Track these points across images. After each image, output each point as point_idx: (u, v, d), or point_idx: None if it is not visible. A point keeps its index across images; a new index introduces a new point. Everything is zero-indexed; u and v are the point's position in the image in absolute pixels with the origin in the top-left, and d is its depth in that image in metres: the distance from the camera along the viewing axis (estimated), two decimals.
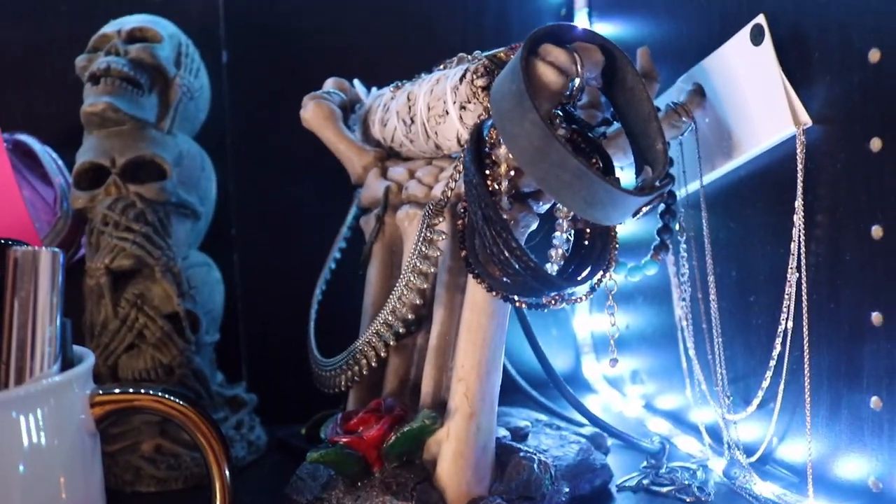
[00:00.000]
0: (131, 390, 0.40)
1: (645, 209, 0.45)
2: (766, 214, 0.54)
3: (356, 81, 0.60)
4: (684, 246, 0.57)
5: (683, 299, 0.58)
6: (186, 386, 0.59)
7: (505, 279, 0.45)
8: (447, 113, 0.50)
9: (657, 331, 0.69)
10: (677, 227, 0.57)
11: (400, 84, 0.55)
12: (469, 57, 0.52)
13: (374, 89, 0.59)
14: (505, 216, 0.44)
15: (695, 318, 0.59)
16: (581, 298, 0.47)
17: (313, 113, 0.56)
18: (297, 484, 0.49)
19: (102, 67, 0.57)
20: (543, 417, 0.61)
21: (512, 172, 0.45)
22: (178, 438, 0.59)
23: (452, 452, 0.44)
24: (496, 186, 0.45)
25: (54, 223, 0.59)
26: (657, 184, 0.44)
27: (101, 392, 0.40)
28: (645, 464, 0.57)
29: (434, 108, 0.50)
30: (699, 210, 0.58)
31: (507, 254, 0.43)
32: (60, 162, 0.62)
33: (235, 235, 0.73)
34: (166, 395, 0.40)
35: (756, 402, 0.54)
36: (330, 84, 0.59)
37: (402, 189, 0.52)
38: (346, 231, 0.62)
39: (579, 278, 0.46)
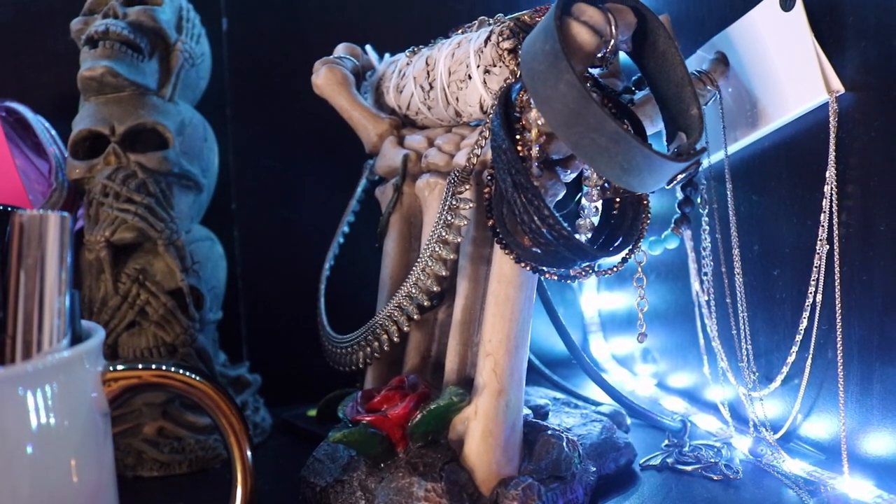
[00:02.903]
0: (142, 366, 0.38)
1: (680, 176, 0.44)
2: (791, 186, 0.53)
3: (368, 47, 0.57)
4: (706, 219, 0.56)
5: (705, 274, 0.56)
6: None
7: (535, 249, 0.43)
8: (469, 77, 0.47)
9: (671, 308, 0.67)
10: (699, 199, 0.56)
11: (416, 49, 0.53)
12: (490, 20, 0.49)
13: (386, 55, 0.57)
14: (535, 183, 0.42)
15: (715, 294, 0.57)
16: (613, 270, 0.46)
17: (326, 78, 0.53)
18: (314, 466, 0.46)
19: (101, 30, 0.54)
20: (560, 396, 0.60)
21: (543, 138, 0.43)
22: (181, 420, 0.57)
23: (481, 431, 0.42)
24: (526, 152, 0.43)
25: (49, 194, 0.56)
26: (694, 150, 0.43)
27: (113, 368, 0.37)
28: (667, 442, 0.55)
29: (456, 72, 0.48)
30: (721, 182, 0.56)
31: (538, 222, 0.41)
32: (54, 132, 0.59)
33: (236, 210, 0.70)
34: (184, 371, 0.38)
35: (780, 378, 0.53)
36: (341, 49, 0.56)
37: (420, 157, 0.50)
38: (356, 204, 0.60)
39: (612, 248, 0.44)
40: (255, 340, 0.72)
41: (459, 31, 0.52)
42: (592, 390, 0.70)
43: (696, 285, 0.60)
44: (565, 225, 0.42)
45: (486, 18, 0.50)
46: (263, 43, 0.70)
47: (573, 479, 0.44)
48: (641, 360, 0.73)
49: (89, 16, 0.57)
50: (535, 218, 0.41)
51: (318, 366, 0.65)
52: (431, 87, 0.50)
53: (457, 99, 0.49)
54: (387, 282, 0.50)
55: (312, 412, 0.66)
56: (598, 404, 0.60)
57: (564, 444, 0.45)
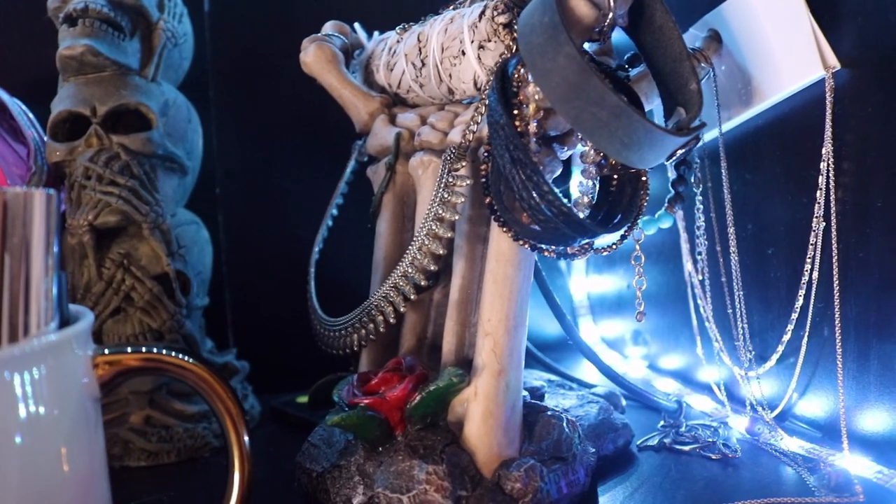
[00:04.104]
0: (132, 349, 0.37)
1: (680, 152, 0.43)
2: (786, 164, 0.53)
3: (357, 25, 0.56)
4: (700, 198, 0.55)
5: (699, 254, 0.56)
6: None
7: (534, 226, 0.42)
8: (463, 53, 0.46)
9: (662, 289, 0.67)
10: (692, 178, 0.55)
11: (407, 26, 0.52)
12: None
13: (375, 33, 0.56)
14: (534, 159, 0.41)
15: (709, 274, 0.57)
16: (612, 247, 0.45)
17: (315, 56, 0.52)
18: (309, 451, 0.45)
19: (80, 7, 0.52)
20: (555, 378, 0.59)
21: (541, 113, 0.42)
22: (168, 409, 0.55)
23: (481, 412, 0.42)
24: (524, 128, 0.42)
25: (28, 178, 0.54)
26: (693, 125, 0.42)
27: (104, 352, 0.36)
28: (662, 423, 0.55)
29: (449, 48, 0.47)
30: (714, 161, 0.56)
31: (537, 198, 0.40)
32: (31, 114, 0.57)
33: (220, 194, 0.68)
34: (176, 354, 0.36)
35: (775, 356, 0.53)
36: (329, 27, 0.55)
37: (413, 136, 0.49)
38: (344, 186, 0.59)
39: (611, 225, 0.44)
40: (241, 327, 0.70)
41: (451, 8, 0.51)
42: (584, 373, 0.69)
43: (688, 266, 0.60)
44: (565, 201, 0.41)
45: None
46: (246, 23, 0.68)
47: (574, 460, 0.44)
48: (632, 342, 0.73)
49: None
50: (535, 194, 0.41)
51: (305, 352, 0.64)
52: (423, 64, 0.49)
53: (450, 76, 0.48)
54: (380, 263, 0.49)
55: (302, 399, 0.65)
56: (591, 386, 0.60)
57: (565, 424, 0.45)
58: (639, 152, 0.41)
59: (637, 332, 0.72)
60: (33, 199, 0.34)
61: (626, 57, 0.51)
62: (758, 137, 0.54)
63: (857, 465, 0.45)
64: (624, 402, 0.57)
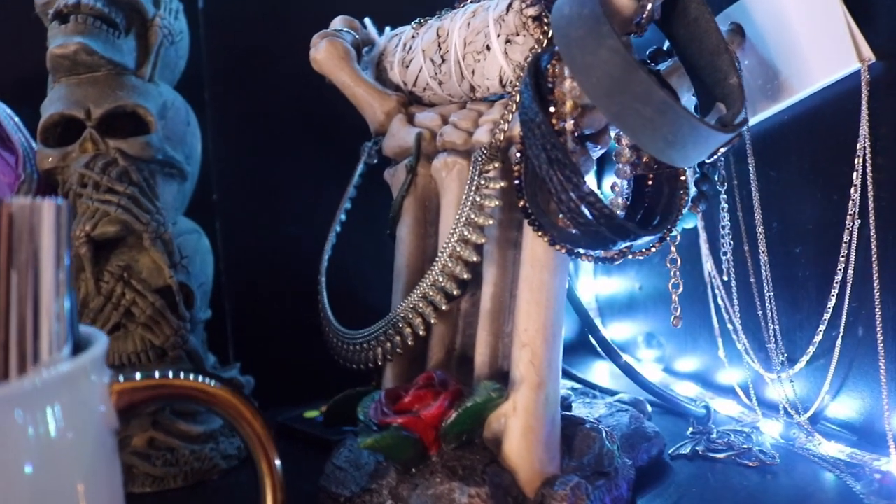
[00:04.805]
0: (154, 375, 0.34)
1: (722, 149, 0.41)
2: (815, 160, 0.51)
3: (367, 21, 0.53)
4: (725, 197, 0.54)
5: (724, 253, 0.54)
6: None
7: (572, 230, 0.40)
8: (488, 48, 0.44)
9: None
10: (716, 177, 0.54)
11: (423, 20, 0.49)
12: None
13: (387, 29, 0.53)
14: (573, 159, 0.39)
15: (733, 273, 0.55)
16: (650, 250, 0.43)
17: (327, 53, 0.49)
18: (335, 474, 0.43)
19: (72, 3, 0.49)
20: (577, 385, 0.57)
21: (578, 110, 0.40)
22: (173, 430, 0.52)
23: (521, 427, 0.39)
24: (560, 126, 0.40)
25: (17, 187, 0.50)
26: (737, 121, 0.40)
27: (121, 379, 0.33)
28: (692, 430, 0.53)
29: (472, 43, 0.45)
30: (739, 159, 0.54)
31: (577, 201, 0.38)
32: (17, 118, 0.54)
33: (217, 201, 0.65)
34: (204, 380, 0.34)
35: (806, 358, 0.52)
36: (339, 22, 0.52)
37: (434, 136, 0.46)
38: (353, 190, 0.56)
39: (651, 227, 0.42)
40: (242, 340, 0.67)
41: (470, 1, 0.48)
42: (595, 377, 0.68)
43: (708, 266, 0.58)
44: (607, 202, 0.39)
45: None
46: (243, 20, 0.65)
47: (617, 475, 0.42)
48: (645, 344, 0.71)
49: None
50: (574, 196, 0.38)
51: (310, 365, 0.61)
52: (444, 60, 0.46)
53: (472, 72, 0.45)
54: (403, 270, 0.46)
55: (310, 414, 0.62)
56: (614, 393, 0.58)
57: (604, 437, 0.42)
58: (682, 150, 0.39)
59: (650, 335, 0.70)
60: (41, 211, 0.30)
61: (647, 52, 0.49)
62: (783, 133, 0.53)
63: None
64: (650, 409, 0.55)
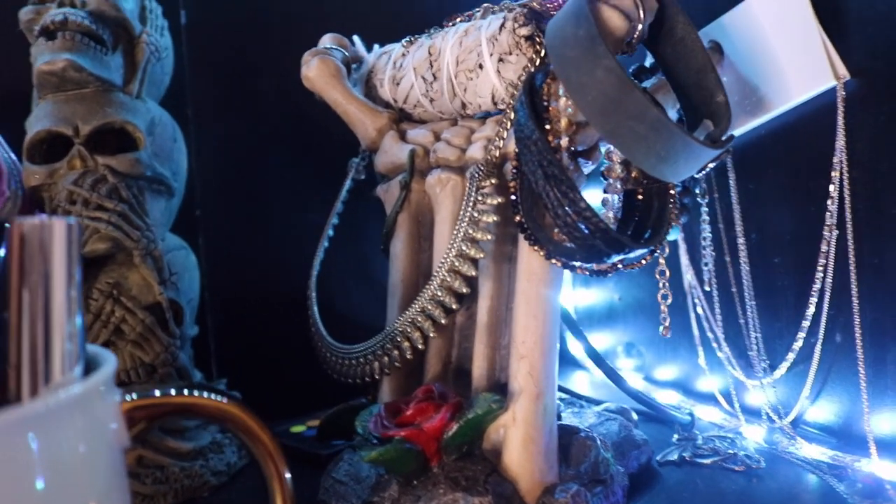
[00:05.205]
0: (165, 392, 0.34)
1: (711, 165, 0.43)
2: (792, 173, 0.53)
3: (356, 38, 0.54)
4: (706, 209, 0.55)
5: (705, 264, 0.56)
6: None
7: (568, 244, 0.41)
8: (481, 67, 0.45)
9: (657, 300, 0.67)
10: (697, 190, 0.56)
11: (413, 39, 0.50)
12: (496, 7, 0.47)
13: (375, 47, 0.54)
14: (569, 175, 0.40)
15: (717, 283, 0.57)
16: (640, 263, 0.44)
17: (318, 70, 0.49)
18: (335, 488, 0.43)
19: (59, 20, 0.48)
20: (563, 395, 0.58)
21: (573, 128, 0.41)
22: (162, 447, 0.52)
23: (521, 438, 0.40)
24: (556, 143, 0.41)
25: (2, 205, 0.50)
26: (724, 137, 0.42)
27: (132, 398, 0.33)
28: (677, 436, 0.55)
29: (464, 61, 0.46)
30: (719, 172, 0.56)
31: (573, 215, 0.39)
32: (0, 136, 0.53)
33: (200, 216, 0.65)
34: (214, 396, 0.34)
35: (786, 364, 0.53)
36: (328, 40, 0.53)
37: (427, 152, 0.47)
38: (340, 206, 0.57)
39: (643, 240, 0.43)
40: (226, 355, 0.67)
41: (458, 20, 0.49)
42: (573, 386, 0.69)
43: (688, 276, 0.60)
44: (602, 217, 0.40)
45: (491, 6, 0.48)
46: (226, 37, 0.65)
47: (612, 482, 0.43)
48: (625, 354, 0.72)
49: (41, 4, 0.51)
50: (570, 211, 0.39)
51: (295, 380, 0.61)
52: (435, 78, 0.47)
53: (465, 90, 0.46)
54: (398, 286, 0.47)
55: (297, 428, 0.62)
56: (597, 402, 0.59)
57: (599, 445, 0.43)
58: (674, 166, 0.40)
59: (630, 345, 0.72)
60: (52, 230, 0.30)
61: (630, 70, 0.51)
62: (761, 148, 0.55)
63: (886, 470, 0.46)
64: (635, 417, 0.56)
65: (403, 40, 0.51)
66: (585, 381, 0.74)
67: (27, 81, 0.51)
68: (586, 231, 0.40)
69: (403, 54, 0.50)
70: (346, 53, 0.52)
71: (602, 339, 0.75)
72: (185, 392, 0.34)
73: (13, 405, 0.28)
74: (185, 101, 0.63)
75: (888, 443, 0.48)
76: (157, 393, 0.33)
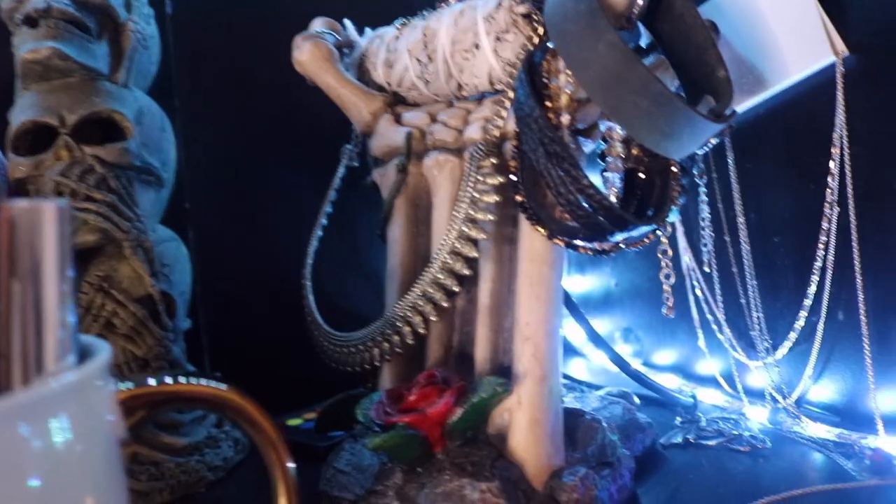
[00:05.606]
0: (162, 381, 0.32)
1: (712, 140, 0.42)
2: (791, 151, 0.53)
3: (347, 22, 0.53)
4: (704, 190, 0.55)
5: (704, 245, 0.55)
6: None
7: (571, 223, 0.40)
8: (477, 47, 0.44)
9: (654, 283, 0.66)
10: (695, 170, 0.55)
11: (406, 21, 0.49)
12: None
13: (367, 30, 0.53)
14: (572, 152, 0.39)
15: (714, 264, 0.57)
16: (643, 241, 0.43)
17: (311, 54, 0.48)
18: (337, 478, 0.42)
19: (42, 7, 0.47)
20: (563, 380, 0.57)
21: (574, 104, 0.40)
22: (156, 443, 0.51)
23: (528, 421, 0.39)
24: (557, 121, 0.40)
25: None
26: (727, 112, 0.41)
27: (128, 387, 0.31)
28: (680, 419, 0.54)
29: (460, 41, 0.45)
30: (716, 152, 0.56)
31: (576, 193, 0.39)
32: None
33: (189, 209, 0.64)
34: (212, 384, 0.32)
35: (788, 344, 0.53)
36: (320, 24, 0.52)
37: (424, 135, 0.46)
38: (333, 193, 0.56)
39: (646, 217, 0.42)
40: (218, 348, 0.65)
41: (452, 1, 0.49)
42: (572, 373, 0.69)
43: (686, 258, 0.59)
44: (606, 194, 0.39)
45: None
46: (212, 26, 0.64)
47: (620, 465, 0.42)
48: (622, 339, 0.72)
49: None
50: (573, 188, 0.39)
51: (289, 372, 0.60)
52: (431, 60, 0.46)
53: (461, 70, 0.45)
54: (397, 270, 0.46)
55: (293, 422, 0.61)
56: (597, 387, 0.58)
57: (605, 428, 0.43)
58: (677, 142, 0.39)
59: (627, 330, 0.71)
60: (43, 214, 0.29)
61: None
62: (759, 127, 0.54)
63: (891, 446, 0.45)
64: (637, 401, 0.55)
65: (397, 23, 0.50)
66: (583, 367, 0.74)
67: (10, 72, 0.50)
68: (589, 208, 0.39)
69: (397, 37, 0.49)
70: (338, 37, 0.51)
71: (599, 325, 0.75)
72: (182, 380, 0.33)
73: (3, 394, 0.27)
74: (172, 92, 0.62)
75: (891, 419, 0.48)
76: (153, 382, 0.32)
